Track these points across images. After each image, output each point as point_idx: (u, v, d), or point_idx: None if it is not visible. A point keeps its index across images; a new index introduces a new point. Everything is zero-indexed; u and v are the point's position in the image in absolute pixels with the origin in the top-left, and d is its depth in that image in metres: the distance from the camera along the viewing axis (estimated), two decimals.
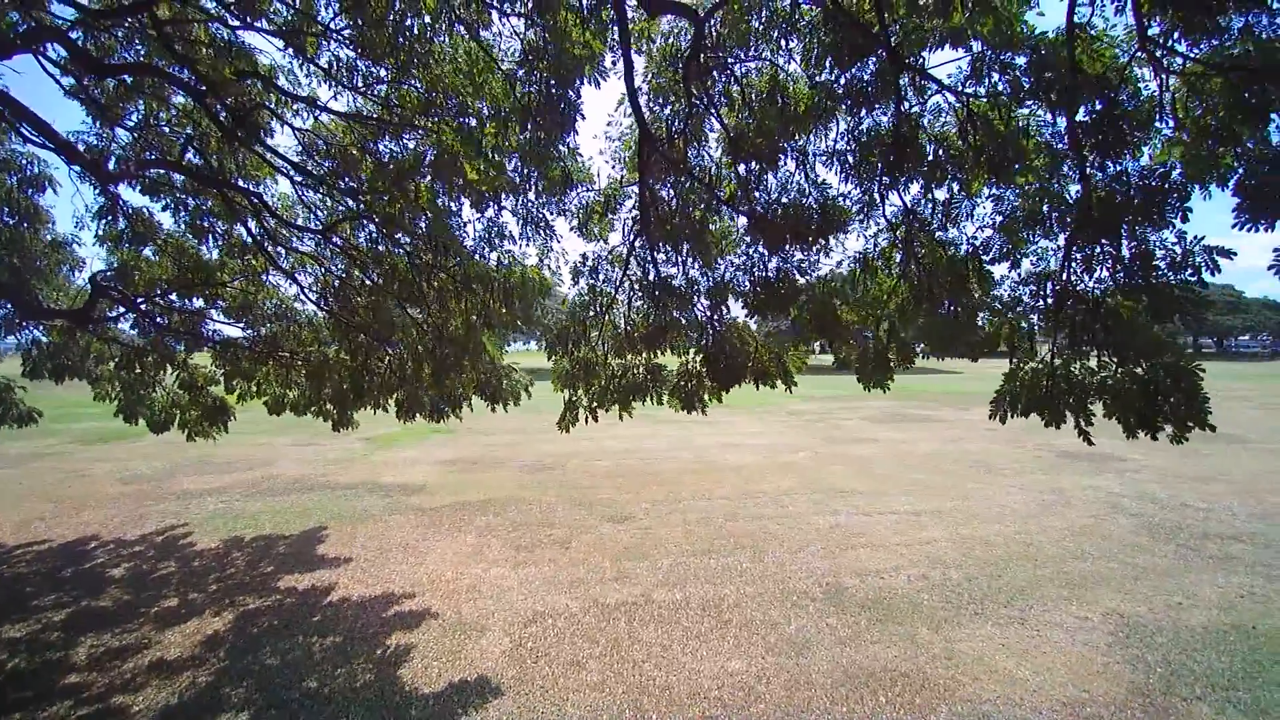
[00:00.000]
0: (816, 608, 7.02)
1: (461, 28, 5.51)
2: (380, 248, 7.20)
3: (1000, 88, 4.53)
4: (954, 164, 4.92)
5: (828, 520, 10.25)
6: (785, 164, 5.75)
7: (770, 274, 5.99)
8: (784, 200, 5.71)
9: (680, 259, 6.51)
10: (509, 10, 5.18)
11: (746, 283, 6.21)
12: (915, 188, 5.36)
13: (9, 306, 8.24)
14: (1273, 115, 3.55)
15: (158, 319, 8.58)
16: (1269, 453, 16.04)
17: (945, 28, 4.24)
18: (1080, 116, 4.19)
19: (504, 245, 6.80)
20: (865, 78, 4.90)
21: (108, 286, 7.94)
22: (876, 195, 5.38)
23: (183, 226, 8.14)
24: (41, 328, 9.08)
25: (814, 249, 5.88)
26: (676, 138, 5.87)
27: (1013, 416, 4.47)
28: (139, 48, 6.68)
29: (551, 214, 6.68)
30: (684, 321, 6.48)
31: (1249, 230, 3.47)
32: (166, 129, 7.62)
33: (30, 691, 5.47)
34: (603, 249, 6.72)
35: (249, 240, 7.67)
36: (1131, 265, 3.93)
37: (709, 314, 6.45)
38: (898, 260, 5.41)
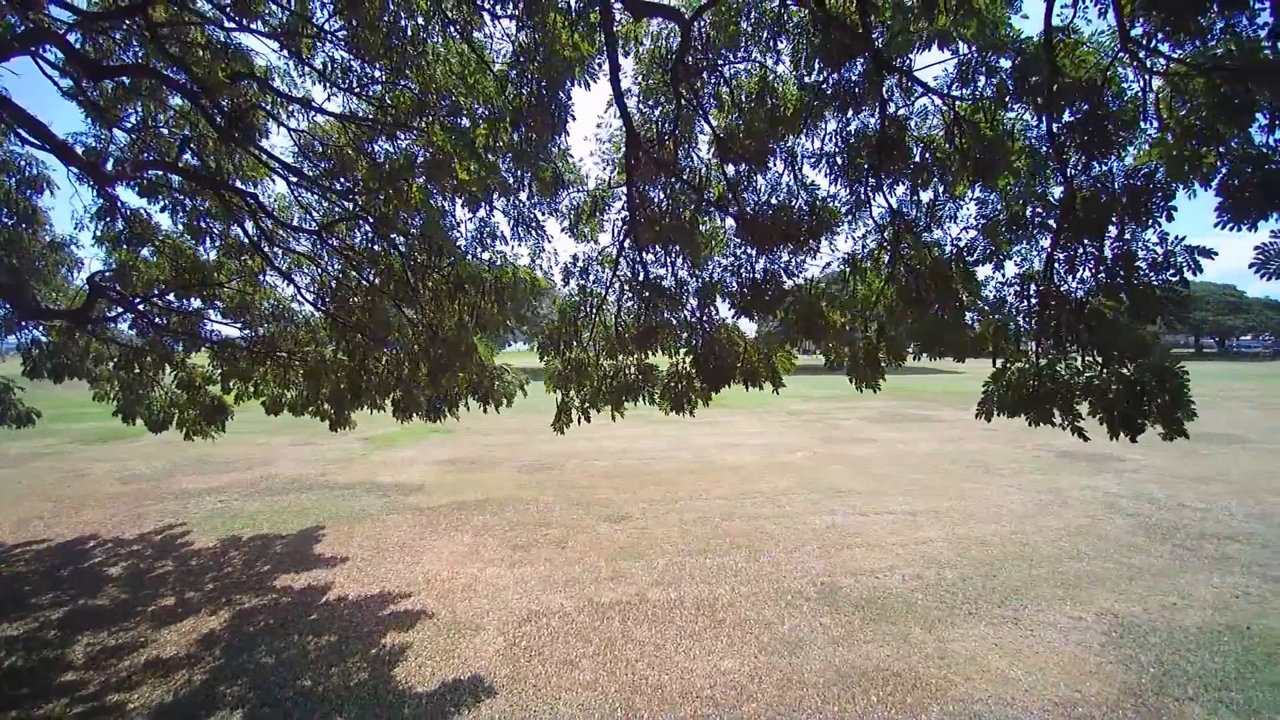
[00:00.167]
0: (810, 607, 7.03)
1: (454, 29, 5.53)
2: (376, 248, 7.23)
3: (986, 91, 4.55)
4: (940, 166, 4.94)
5: (824, 520, 10.26)
6: (774, 165, 5.78)
7: (758, 275, 6.01)
8: (773, 201, 5.74)
9: (669, 260, 6.53)
10: (500, 12, 5.20)
11: (734, 284, 6.23)
12: (901, 189, 5.38)
13: (8, 307, 8.28)
14: (1257, 115, 3.57)
15: (156, 319, 8.62)
16: (1268, 453, 16.02)
17: (932, 30, 4.26)
18: (1066, 118, 4.21)
19: (496, 245, 6.83)
20: (853, 79, 4.92)
21: (106, 287, 7.98)
22: (864, 196, 5.40)
23: (180, 227, 8.18)
24: (41, 328, 9.12)
25: (802, 250, 5.90)
26: (666, 139, 5.89)
27: (999, 415, 4.49)
28: (137, 49, 6.71)
29: (543, 215, 6.72)
30: (674, 322, 6.50)
31: (1232, 230, 3.48)
32: (165, 130, 7.65)
33: (27, 689, 5.51)
34: (593, 250, 6.76)
35: (246, 241, 7.70)
36: (1114, 266, 3.94)
37: (698, 315, 6.47)
38: (886, 261, 5.43)
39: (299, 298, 8.45)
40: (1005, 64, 4.47)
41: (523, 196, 6.40)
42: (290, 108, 6.78)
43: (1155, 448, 15.59)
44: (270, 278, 8.73)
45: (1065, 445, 16.18)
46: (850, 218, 5.72)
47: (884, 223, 5.54)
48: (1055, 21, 3.92)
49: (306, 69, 6.14)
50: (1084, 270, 4.18)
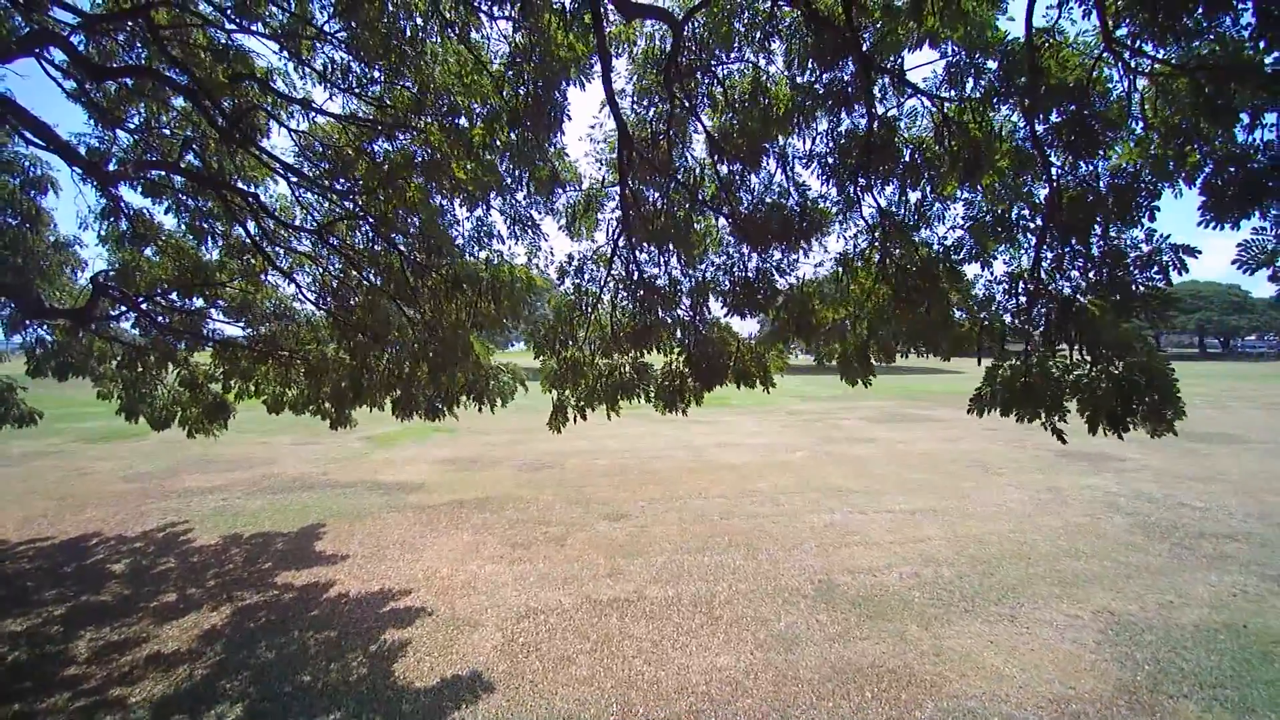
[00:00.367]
0: (807, 604, 7.06)
1: (451, 30, 5.58)
2: (376, 247, 7.29)
3: (975, 93, 4.58)
4: (928, 166, 4.97)
5: (823, 519, 10.29)
6: (766, 165, 5.81)
7: (751, 274, 6.05)
8: (767, 200, 5.77)
9: (663, 259, 6.57)
10: (496, 13, 5.25)
11: (728, 282, 6.27)
12: (890, 189, 5.42)
13: (13, 306, 8.37)
14: (1240, 115, 3.60)
15: (158, 318, 8.69)
16: (1269, 453, 15.99)
17: (921, 31, 4.29)
18: (1054, 118, 4.24)
19: (493, 244, 6.89)
20: (845, 79, 4.96)
21: (109, 286, 8.05)
22: (855, 196, 5.44)
23: (183, 227, 8.25)
24: (45, 327, 9.21)
25: (795, 250, 5.93)
26: (660, 139, 5.93)
27: (992, 413, 4.52)
28: (140, 51, 6.78)
29: (539, 214, 6.77)
30: (668, 321, 6.54)
31: (1215, 228, 3.51)
32: (168, 131, 7.72)
33: (30, 683, 5.57)
34: (589, 249, 6.80)
35: (247, 241, 7.76)
36: (1101, 264, 3.97)
37: (691, 314, 6.51)
38: (876, 261, 5.47)
39: (300, 297, 8.52)
40: (993, 65, 4.51)
41: (519, 196, 6.46)
42: (290, 108, 6.84)
43: (1155, 447, 15.59)
44: (272, 277, 8.80)
45: (1064, 445, 16.16)
46: (841, 218, 5.76)
47: (874, 223, 5.58)
48: (1041, 22, 3.96)
49: (307, 70, 6.20)
50: (1071, 269, 4.21)
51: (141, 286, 8.33)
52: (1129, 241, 4.00)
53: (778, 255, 6.06)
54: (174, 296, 8.71)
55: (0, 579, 7.96)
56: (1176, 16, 3.35)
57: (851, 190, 5.44)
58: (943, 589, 7.45)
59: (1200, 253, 3.58)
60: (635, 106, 6.13)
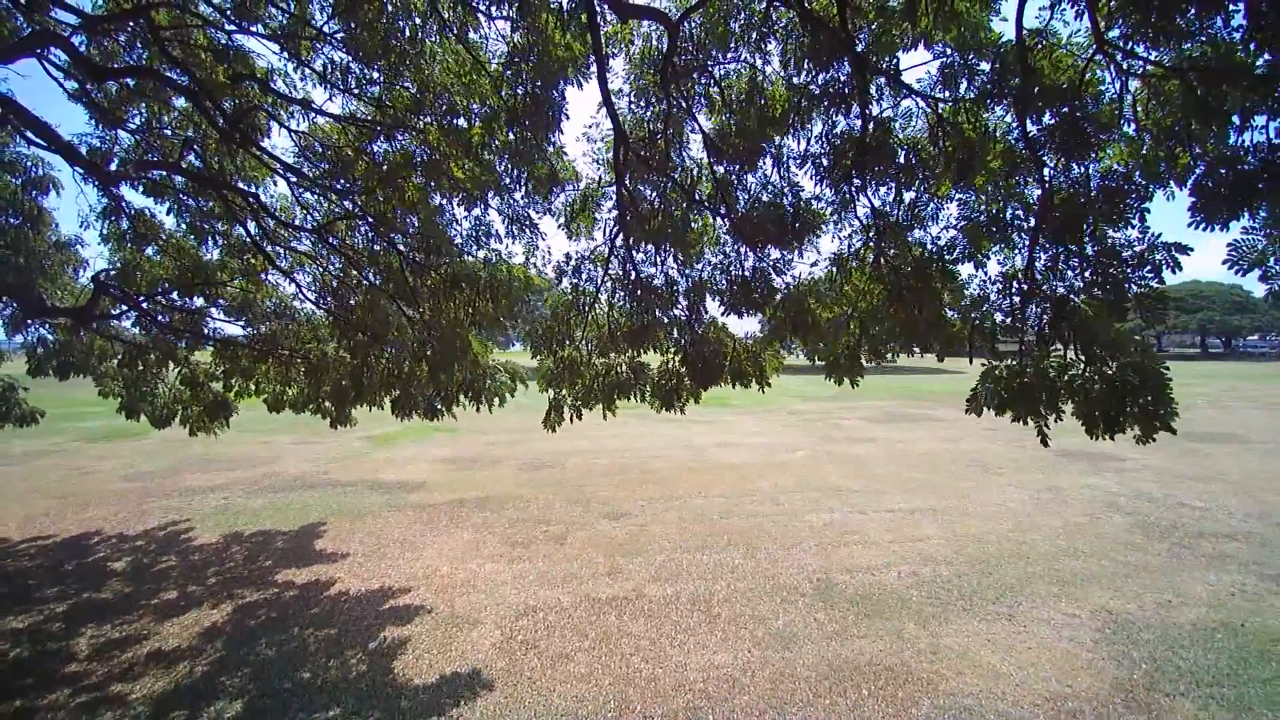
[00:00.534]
0: (805, 603, 7.08)
1: (450, 30, 5.61)
2: (375, 247, 7.32)
3: (969, 94, 4.59)
4: (923, 166, 4.99)
5: (822, 518, 10.30)
6: (763, 165, 5.83)
7: (748, 273, 6.07)
8: (764, 198, 5.79)
9: (660, 258, 6.60)
10: (495, 13, 5.28)
11: (724, 282, 6.29)
12: (885, 190, 5.43)
13: (15, 306, 8.40)
14: (1233, 117, 3.61)
15: (159, 317, 8.73)
16: (1270, 453, 15.98)
17: (915, 32, 4.31)
18: (1046, 120, 4.26)
19: (490, 244, 6.92)
20: (840, 79, 4.98)
21: (109, 285, 8.08)
22: (850, 196, 5.46)
23: (184, 227, 8.28)
24: (47, 326, 9.25)
25: (790, 249, 5.95)
26: (658, 138, 5.95)
27: (988, 413, 4.54)
28: (141, 51, 6.81)
29: (537, 213, 6.79)
30: (665, 321, 6.56)
31: (1205, 230, 3.52)
32: (169, 131, 7.75)
33: (31, 679, 5.60)
34: (586, 248, 6.83)
35: (248, 241, 7.79)
36: (1095, 264, 3.98)
37: (688, 314, 6.53)
38: (870, 261, 5.49)
39: (300, 296, 8.55)
40: (985, 67, 4.52)
41: (517, 196, 6.48)
42: (290, 109, 6.86)
43: (1156, 447, 15.43)
44: (272, 277, 8.83)
45: (1065, 445, 16.14)
46: (836, 218, 5.78)
47: (868, 223, 5.60)
48: (1034, 24, 3.98)
49: (306, 70, 6.22)
50: (1065, 269, 4.23)
51: (142, 286, 8.36)
52: (1122, 241, 4.02)
53: (774, 254, 6.08)
54: (174, 296, 8.74)
55: (2, 577, 8.00)
56: (1169, 17, 3.37)
57: (846, 191, 5.46)
58: (941, 588, 7.46)
59: (1192, 250, 3.59)
60: (632, 106, 6.16)
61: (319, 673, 5.70)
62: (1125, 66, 4.00)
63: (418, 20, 5.52)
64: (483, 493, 12.18)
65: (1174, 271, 3.72)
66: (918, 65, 5.29)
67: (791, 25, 5.00)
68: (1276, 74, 3.39)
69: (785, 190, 5.80)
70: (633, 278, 6.43)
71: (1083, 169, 4.25)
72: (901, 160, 5.09)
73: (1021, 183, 4.82)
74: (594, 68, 5.10)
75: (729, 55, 5.53)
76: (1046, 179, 4.30)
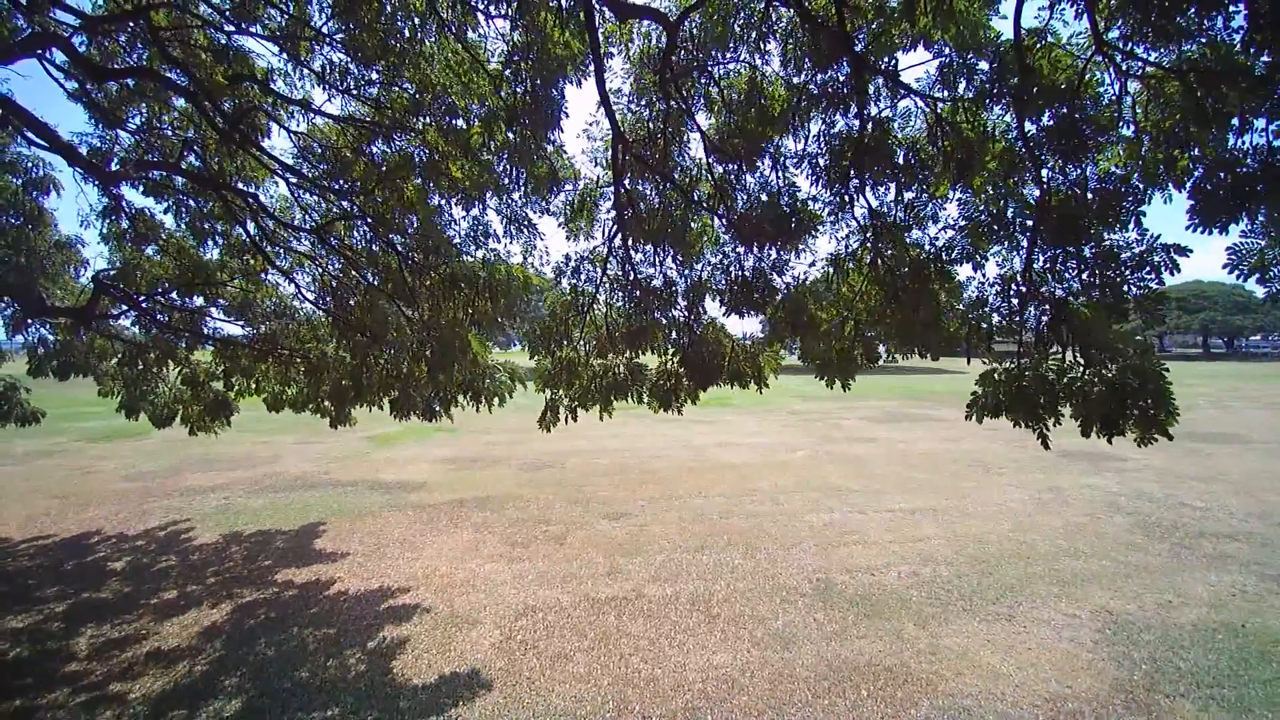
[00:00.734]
0: (805, 603, 7.07)
1: (449, 30, 5.60)
2: (374, 247, 7.32)
3: (967, 93, 4.58)
4: (922, 166, 4.98)
5: (822, 518, 10.29)
6: (762, 165, 5.82)
7: (747, 273, 6.06)
8: (763, 198, 5.78)
9: (659, 259, 6.59)
10: (494, 12, 5.27)
11: (724, 282, 6.28)
12: (882, 190, 5.43)
13: (15, 306, 8.41)
14: (1232, 120, 3.59)
15: (158, 316, 8.74)
16: (1271, 453, 15.94)
17: (914, 32, 4.30)
18: (1045, 120, 4.25)
19: (489, 244, 6.92)
20: (840, 79, 4.97)
21: (110, 285, 8.09)
22: (848, 196, 5.45)
23: (184, 227, 8.29)
24: (48, 326, 9.26)
25: (788, 249, 5.94)
26: (658, 138, 5.95)
27: (987, 416, 4.52)
28: (141, 51, 6.81)
29: (535, 213, 6.79)
30: (664, 321, 6.55)
31: (1204, 233, 3.51)
32: (169, 131, 7.76)
33: (31, 679, 5.61)
34: (585, 249, 6.82)
35: (248, 241, 7.80)
36: (1093, 265, 3.97)
37: (687, 314, 6.52)
38: (868, 261, 5.48)
39: (300, 296, 8.56)
40: (984, 66, 4.51)
41: (515, 196, 6.48)
42: (290, 109, 6.86)
43: (1157, 447, 15.34)
44: (272, 276, 8.84)
45: (1066, 445, 16.06)
46: (833, 219, 5.77)
47: (865, 224, 5.59)
48: (1033, 23, 3.96)
49: (305, 71, 6.22)
50: (1064, 271, 4.21)
51: (142, 285, 8.37)
52: (1120, 242, 4.00)
53: (773, 254, 6.07)
54: (174, 295, 8.74)
55: (2, 576, 8.01)
56: (1169, 17, 3.35)
57: (844, 191, 5.45)
58: (941, 588, 7.45)
59: (1192, 252, 3.58)
60: (632, 106, 6.15)
61: (318, 672, 5.69)
62: (1125, 67, 3.98)
63: (416, 21, 5.52)
64: (483, 493, 12.18)
65: (1173, 273, 3.71)
66: (916, 65, 5.27)
67: (792, 25, 5.00)
68: (1276, 75, 3.37)
69: (783, 190, 5.79)
70: (631, 278, 6.43)
71: (1080, 171, 4.24)
72: (900, 160, 5.08)
73: (1020, 183, 4.81)
74: (592, 67, 5.09)
75: (728, 55, 5.52)
76: (1045, 180, 4.29)
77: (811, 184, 5.68)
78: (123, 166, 7.19)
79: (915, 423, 21.96)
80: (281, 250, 8.19)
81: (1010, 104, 4.44)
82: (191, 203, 7.94)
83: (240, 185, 7.59)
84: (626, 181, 5.94)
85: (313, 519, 10.47)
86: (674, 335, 6.58)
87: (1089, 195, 4.08)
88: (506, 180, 6.26)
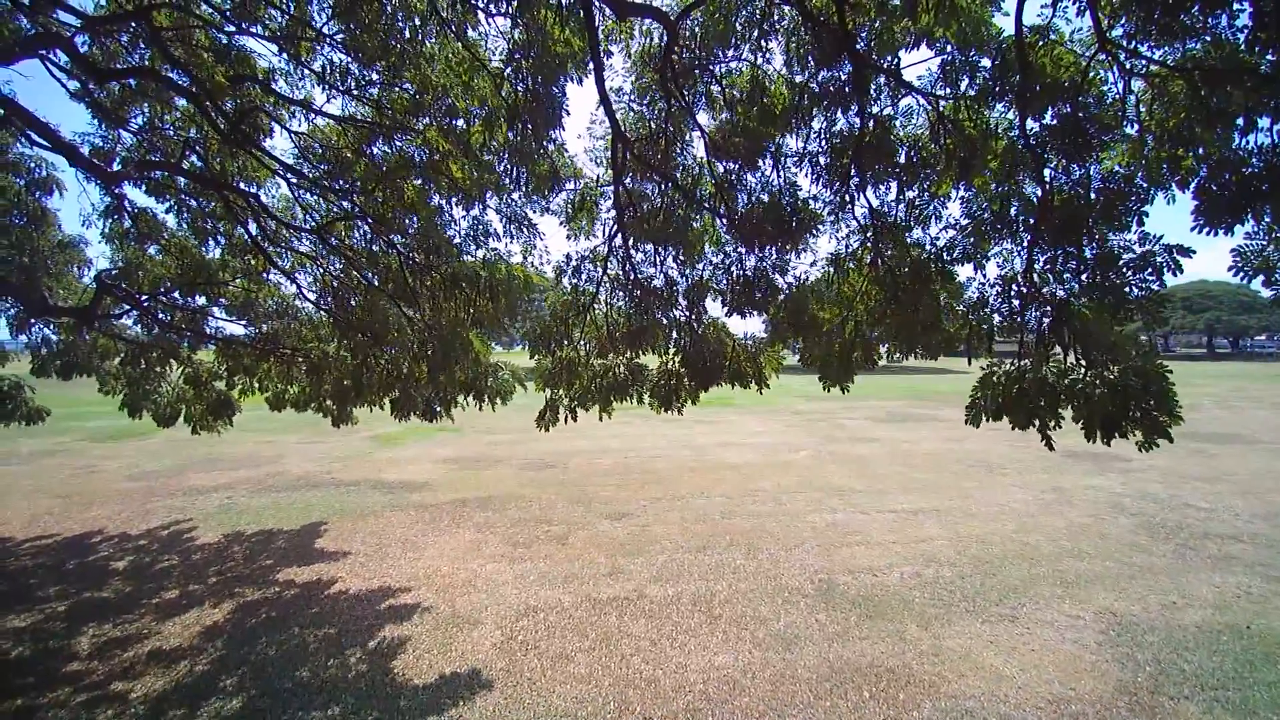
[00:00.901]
0: (807, 604, 7.05)
1: (449, 29, 5.59)
2: (375, 247, 7.32)
3: (970, 91, 4.55)
4: (924, 164, 4.95)
5: (825, 518, 10.27)
6: (763, 164, 5.80)
7: (748, 273, 6.04)
8: (764, 198, 5.76)
9: (660, 258, 6.57)
10: (494, 10, 5.26)
11: (725, 282, 6.26)
12: (883, 189, 5.40)
13: (18, 305, 8.44)
14: (1237, 120, 3.56)
15: (160, 315, 8.75)
16: (1276, 453, 15.85)
17: (917, 29, 4.27)
18: (1048, 119, 4.22)
19: (489, 243, 6.91)
20: (842, 78, 4.94)
21: (112, 285, 8.11)
22: (849, 195, 5.42)
23: (186, 227, 8.30)
24: (51, 326, 9.29)
25: (790, 249, 5.92)
26: (659, 137, 5.93)
27: (986, 420, 4.49)
28: (144, 51, 6.82)
29: (535, 212, 6.78)
30: (664, 321, 6.53)
31: (1208, 234, 3.48)
32: (171, 131, 7.77)
33: (32, 678, 5.62)
34: (586, 248, 6.81)
35: (249, 241, 7.81)
36: (1095, 266, 3.94)
37: (688, 314, 6.50)
38: (868, 261, 5.45)
39: (301, 296, 8.57)
40: (986, 63, 4.48)
41: (516, 195, 6.47)
42: (291, 109, 6.87)
43: (1161, 448, 15.41)
44: (273, 276, 8.85)
45: (1069, 445, 16.02)
46: (833, 218, 5.75)
47: (866, 223, 5.56)
48: (1036, 21, 3.93)
49: (306, 71, 6.22)
50: (1064, 271, 4.18)
51: (145, 285, 8.39)
52: (1122, 243, 3.97)
53: (774, 254, 6.04)
54: (176, 295, 8.76)
55: (5, 575, 8.04)
56: (1173, 15, 3.32)
57: (844, 190, 5.43)
58: (944, 589, 7.42)
59: (1195, 253, 3.55)
60: (633, 104, 6.13)
61: (318, 672, 5.70)
62: (1128, 66, 3.95)
63: (417, 21, 5.51)
64: (485, 492, 12.18)
65: (1175, 274, 3.68)
66: (919, 62, 5.24)
67: (794, 24, 4.97)
68: None
69: (784, 189, 5.77)
70: (631, 278, 6.41)
71: (1083, 170, 4.21)
72: (902, 159, 5.05)
73: (1022, 181, 4.77)
74: (592, 64, 5.08)
75: (730, 53, 5.50)
76: (1047, 179, 4.26)
77: (812, 183, 5.67)
78: (125, 166, 7.20)
79: (919, 423, 21.90)
80: (284, 250, 8.20)
81: (1013, 102, 4.41)
82: (193, 202, 7.95)
83: (242, 185, 7.60)
84: (628, 181, 5.92)
85: (315, 519, 10.48)
86: (675, 335, 6.56)
87: (1093, 195, 4.05)
88: (507, 180, 6.26)
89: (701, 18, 5.25)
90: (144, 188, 7.57)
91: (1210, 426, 19.95)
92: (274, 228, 7.87)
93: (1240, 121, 3.57)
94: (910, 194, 5.34)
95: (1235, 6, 3.35)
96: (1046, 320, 4.19)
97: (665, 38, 5.04)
